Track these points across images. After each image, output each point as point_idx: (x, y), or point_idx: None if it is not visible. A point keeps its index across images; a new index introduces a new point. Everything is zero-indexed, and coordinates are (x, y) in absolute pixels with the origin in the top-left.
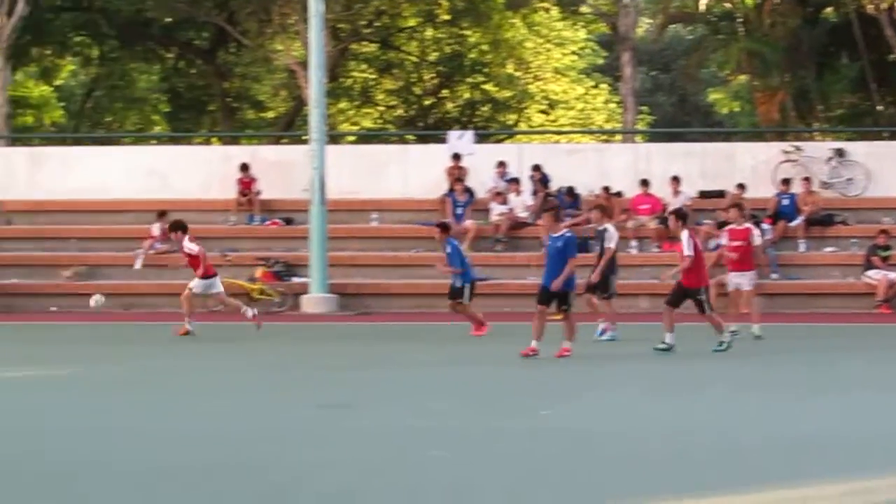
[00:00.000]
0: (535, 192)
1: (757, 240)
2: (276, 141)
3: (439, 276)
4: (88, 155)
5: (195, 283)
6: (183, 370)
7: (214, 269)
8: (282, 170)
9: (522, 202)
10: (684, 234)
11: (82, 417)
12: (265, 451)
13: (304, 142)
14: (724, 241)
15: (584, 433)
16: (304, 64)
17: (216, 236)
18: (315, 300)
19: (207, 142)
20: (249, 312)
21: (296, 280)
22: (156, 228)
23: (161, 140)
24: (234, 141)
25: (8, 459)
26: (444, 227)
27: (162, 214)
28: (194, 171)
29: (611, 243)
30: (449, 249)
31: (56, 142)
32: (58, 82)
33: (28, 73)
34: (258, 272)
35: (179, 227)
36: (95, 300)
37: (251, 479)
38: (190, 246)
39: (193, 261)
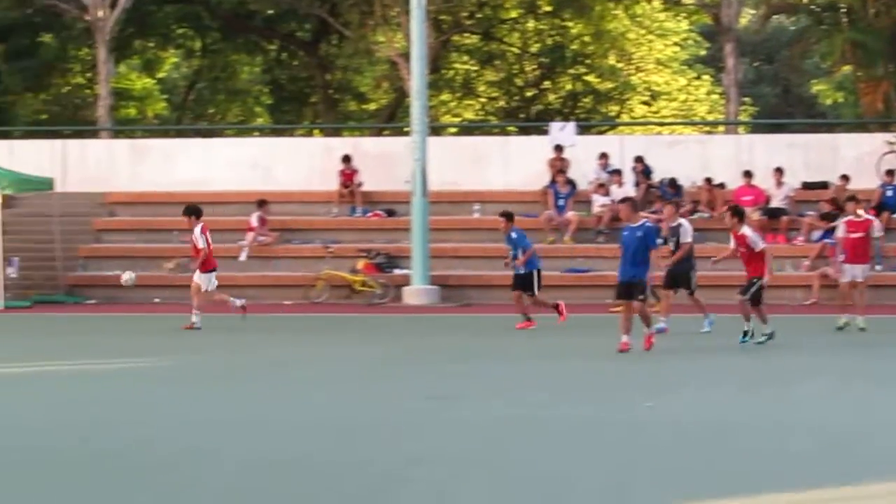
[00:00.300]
0: (637, 184)
1: (877, 232)
2: (378, 133)
3: (544, 267)
4: (191, 147)
5: (198, 278)
6: (287, 361)
7: (216, 264)
8: (383, 161)
9: (624, 194)
10: (748, 229)
11: (189, 408)
12: (369, 443)
13: (406, 133)
14: (840, 232)
15: (686, 425)
16: (405, 55)
17: (318, 228)
18: (416, 292)
19: (309, 134)
20: (238, 302)
21: (397, 272)
22: (254, 218)
23: (263, 132)
24: (335, 133)
25: (117, 449)
26: (509, 216)
27: (261, 203)
28: (296, 163)
29: (687, 238)
30: (515, 236)
31: (158, 134)
32: (160, 74)
33: (131, 65)
34: (360, 264)
35: (193, 211)
36: (127, 277)
37: (355, 471)
38: (198, 236)
39: (195, 252)
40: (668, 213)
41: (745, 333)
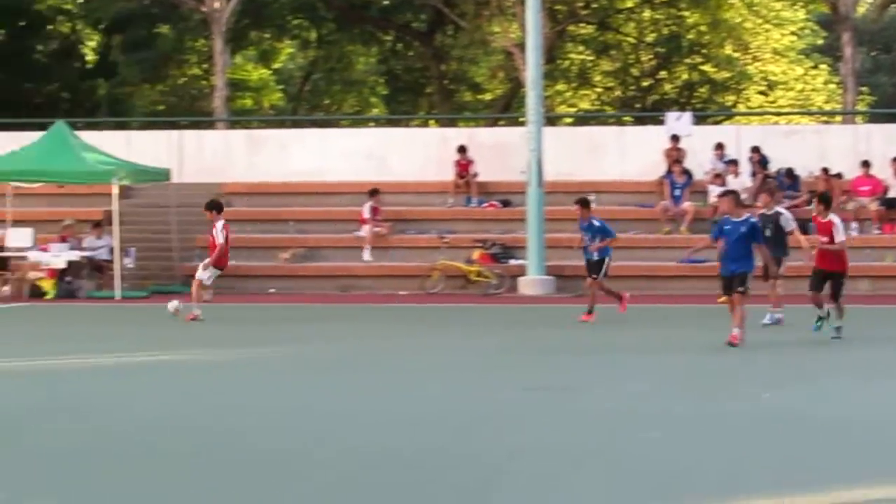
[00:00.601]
0: (753, 174)
1: None
2: (494, 123)
3: (655, 258)
4: (306, 137)
5: (205, 274)
6: (401, 351)
7: (227, 264)
8: (499, 152)
9: (741, 184)
10: (835, 217)
11: (300, 397)
12: (478, 434)
13: (522, 124)
14: None
15: (806, 418)
16: (521, 46)
17: (433, 218)
18: (532, 282)
19: (424, 124)
20: (173, 305)
21: (513, 262)
22: (366, 209)
23: (378, 122)
24: (451, 123)
25: (232, 439)
26: (585, 203)
27: (373, 193)
28: (411, 154)
29: (793, 224)
30: (599, 224)
31: (274, 124)
32: (276, 65)
33: (247, 56)
34: (476, 254)
35: (215, 206)
36: (173, 306)
37: (464, 462)
38: (220, 231)
39: (213, 247)
40: (763, 201)
41: (820, 319)
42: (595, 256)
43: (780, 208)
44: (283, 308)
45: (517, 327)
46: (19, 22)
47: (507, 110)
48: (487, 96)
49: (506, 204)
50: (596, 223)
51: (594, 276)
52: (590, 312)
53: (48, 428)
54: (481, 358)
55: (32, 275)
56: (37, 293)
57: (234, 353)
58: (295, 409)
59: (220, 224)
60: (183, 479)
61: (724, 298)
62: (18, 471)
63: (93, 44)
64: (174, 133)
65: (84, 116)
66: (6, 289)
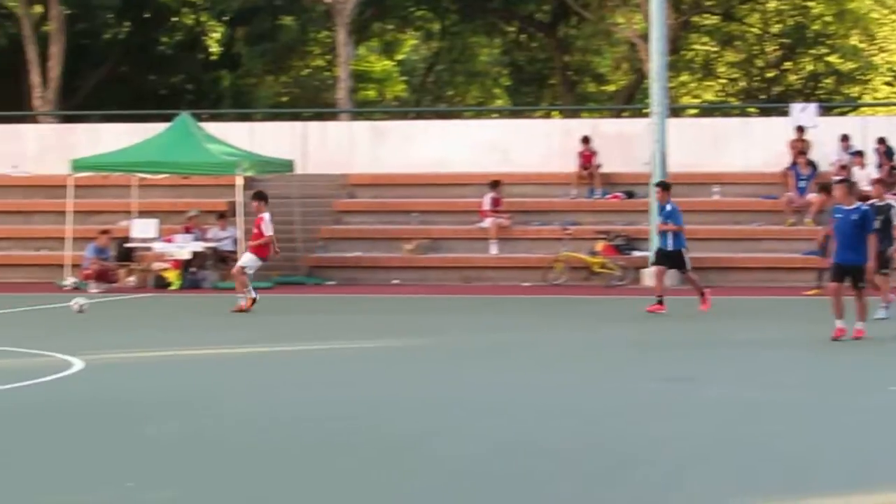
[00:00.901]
0: (879, 165)
1: None
2: (617, 114)
3: (782, 249)
4: (429, 129)
5: (249, 260)
6: (531, 342)
7: (269, 255)
8: (622, 143)
9: (867, 175)
10: None
11: (432, 388)
12: (611, 426)
13: (645, 115)
14: None
15: None
16: (645, 37)
17: (556, 209)
18: None
19: (547, 115)
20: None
21: (636, 254)
22: (487, 200)
23: (501, 114)
24: (574, 114)
25: (362, 428)
26: (666, 187)
27: (495, 185)
28: (534, 145)
29: None
30: (670, 208)
31: (398, 116)
32: (399, 56)
33: (370, 47)
34: (599, 246)
35: (263, 197)
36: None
37: (596, 453)
38: (269, 222)
39: (257, 236)
40: (876, 192)
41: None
42: (669, 248)
43: (889, 199)
44: (409, 299)
45: (643, 319)
46: (144, 14)
47: (630, 101)
48: (611, 87)
49: (629, 195)
50: (668, 207)
51: (682, 270)
52: (660, 303)
53: (179, 417)
54: (612, 349)
55: (157, 265)
56: (161, 284)
57: (362, 344)
58: (423, 399)
59: (267, 215)
60: (325, 472)
61: (814, 291)
62: (150, 461)
63: (216, 35)
64: (297, 124)
65: (207, 108)
66: (132, 279)
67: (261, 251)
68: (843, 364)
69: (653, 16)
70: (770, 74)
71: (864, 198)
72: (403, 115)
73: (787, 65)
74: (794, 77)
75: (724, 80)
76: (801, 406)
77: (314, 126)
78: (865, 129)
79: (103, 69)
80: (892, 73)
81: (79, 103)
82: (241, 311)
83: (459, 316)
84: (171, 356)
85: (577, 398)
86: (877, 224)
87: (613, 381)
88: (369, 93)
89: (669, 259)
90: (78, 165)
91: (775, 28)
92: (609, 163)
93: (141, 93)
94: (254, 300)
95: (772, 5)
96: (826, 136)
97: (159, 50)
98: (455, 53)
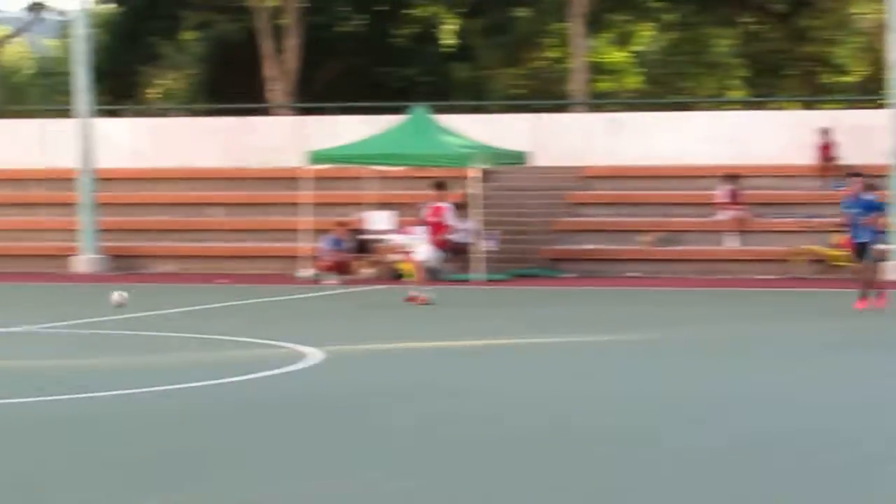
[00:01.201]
0: None
1: None
2: (856, 105)
3: None
4: (665, 121)
5: (430, 253)
6: (771, 336)
7: (448, 246)
8: (862, 134)
9: None
10: None
11: (672, 382)
12: (861, 420)
13: (886, 106)
14: None
15: None
16: (885, 26)
17: (796, 202)
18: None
19: (783, 106)
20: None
21: (879, 247)
22: (722, 193)
23: (738, 105)
24: (812, 105)
25: (598, 424)
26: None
27: (731, 178)
28: (772, 137)
29: None
30: (870, 197)
31: (634, 107)
32: (636, 48)
33: (607, 39)
34: (836, 238)
35: (443, 186)
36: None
37: (839, 448)
38: (450, 215)
39: (439, 227)
40: None
41: None
42: (865, 238)
43: None
44: (647, 293)
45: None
46: (377, 7)
47: (871, 92)
48: (850, 78)
49: (870, 188)
50: (869, 197)
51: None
52: (865, 297)
53: (419, 407)
54: (851, 344)
55: (392, 257)
56: (398, 275)
57: (608, 337)
58: (671, 393)
59: (450, 206)
60: (558, 467)
61: None
62: (390, 451)
63: (450, 27)
64: (532, 116)
65: (441, 100)
66: (370, 271)
67: (443, 243)
68: None
69: (893, 5)
70: None
71: None
72: (639, 107)
73: None
74: None
75: None
76: None
77: (549, 118)
78: None
79: (338, 62)
80: None
81: (314, 96)
82: (413, 301)
83: (707, 309)
84: (411, 348)
85: (815, 393)
86: None
87: (853, 376)
88: (604, 84)
89: (863, 249)
90: (317, 157)
91: None
92: (848, 154)
93: (376, 85)
94: (427, 301)
95: None
96: None
97: (392, 42)
98: (692, 44)
